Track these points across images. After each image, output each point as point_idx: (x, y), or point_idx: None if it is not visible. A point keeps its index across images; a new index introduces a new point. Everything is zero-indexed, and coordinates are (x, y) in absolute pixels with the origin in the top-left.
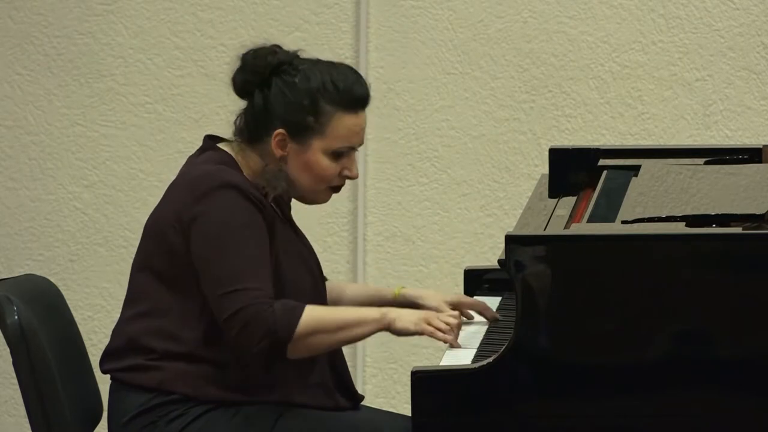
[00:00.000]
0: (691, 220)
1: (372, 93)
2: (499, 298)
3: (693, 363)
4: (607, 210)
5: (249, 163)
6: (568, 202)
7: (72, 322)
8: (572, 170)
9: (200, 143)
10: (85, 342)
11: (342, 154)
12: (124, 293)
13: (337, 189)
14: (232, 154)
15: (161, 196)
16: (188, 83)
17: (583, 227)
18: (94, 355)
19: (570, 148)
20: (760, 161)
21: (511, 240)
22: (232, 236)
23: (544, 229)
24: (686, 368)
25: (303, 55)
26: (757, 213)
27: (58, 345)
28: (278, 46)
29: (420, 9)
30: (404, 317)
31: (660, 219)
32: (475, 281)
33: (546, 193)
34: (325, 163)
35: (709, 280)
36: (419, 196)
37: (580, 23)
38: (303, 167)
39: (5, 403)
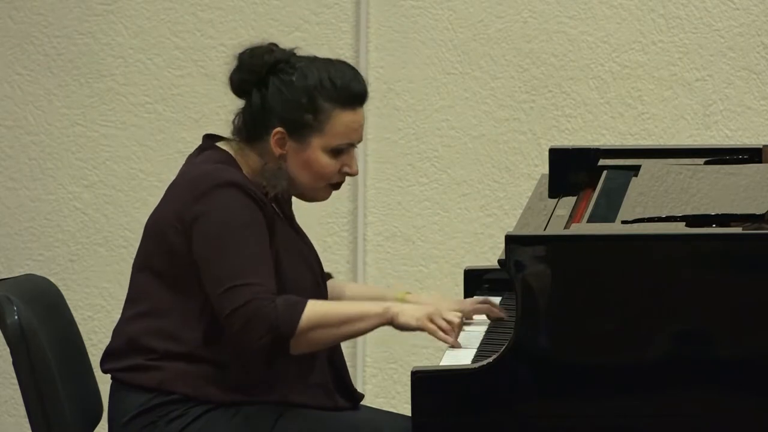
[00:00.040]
0: (691, 220)
1: (372, 93)
2: (499, 298)
3: (693, 363)
4: (607, 210)
5: (248, 161)
6: (568, 202)
7: (72, 322)
8: (572, 170)
9: (200, 143)
10: (85, 342)
11: (341, 151)
12: (124, 293)
13: (337, 186)
14: (231, 153)
15: (161, 196)
16: (188, 83)
17: (583, 227)
18: (94, 355)
19: (570, 148)
20: (760, 161)
21: (511, 240)
22: (234, 234)
23: (544, 229)
24: (686, 368)
25: (300, 52)
26: (757, 213)
27: (58, 345)
28: (275, 45)
29: (420, 9)
30: (407, 312)
31: (660, 219)
32: (475, 281)
33: (546, 193)
34: (325, 161)
35: (709, 280)
36: (419, 196)
37: (580, 23)
38: (302, 165)
39: (5, 403)
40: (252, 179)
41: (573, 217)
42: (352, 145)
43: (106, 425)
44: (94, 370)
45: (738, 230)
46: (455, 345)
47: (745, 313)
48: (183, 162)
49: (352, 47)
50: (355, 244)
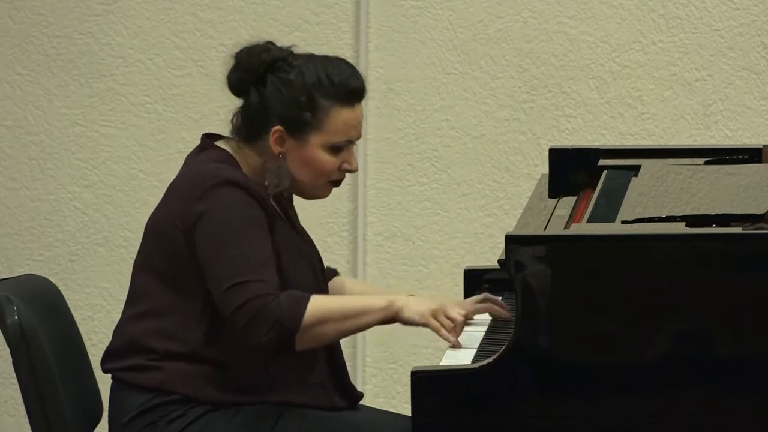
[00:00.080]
0: (691, 220)
1: (372, 93)
2: (499, 299)
3: (693, 363)
4: (607, 210)
5: (248, 160)
6: (568, 202)
7: (72, 322)
8: (572, 170)
9: (199, 142)
10: (85, 342)
11: (341, 148)
12: (124, 293)
13: (337, 183)
14: (231, 151)
15: (161, 196)
16: (188, 83)
17: (583, 227)
18: (94, 355)
19: (570, 148)
20: (760, 161)
21: (511, 240)
22: (235, 233)
23: (544, 229)
24: (686, 368)
25: (297, 50)
26: (757, 213)
27: (58, 345)
28: (272, 43)
29: (420, 9)
30: (411, 307)
31: (660, 219)
32: (475, 281)
33: (546, 193)
34: (324, 158)
35: (709, 280)
36: (419, 196)
37: (580, 23)
38: (302, 163)
39: (5, 403)
40: (252, 178)
41: (573, 217)
42: (352, 142)
43: (107, 425)
44: (94, 370)
45: (738, 230)
46: (456, 345)
47: (745, 313)
48: (183, 162)
49: (352, 47)
50: (355, 244)
